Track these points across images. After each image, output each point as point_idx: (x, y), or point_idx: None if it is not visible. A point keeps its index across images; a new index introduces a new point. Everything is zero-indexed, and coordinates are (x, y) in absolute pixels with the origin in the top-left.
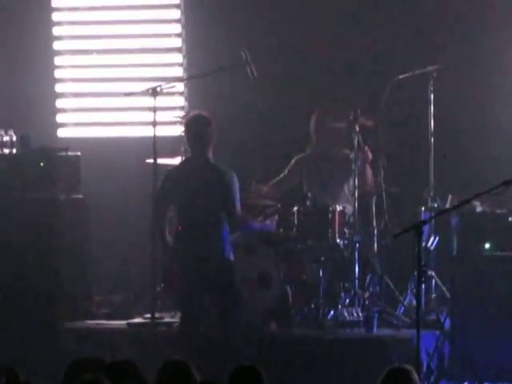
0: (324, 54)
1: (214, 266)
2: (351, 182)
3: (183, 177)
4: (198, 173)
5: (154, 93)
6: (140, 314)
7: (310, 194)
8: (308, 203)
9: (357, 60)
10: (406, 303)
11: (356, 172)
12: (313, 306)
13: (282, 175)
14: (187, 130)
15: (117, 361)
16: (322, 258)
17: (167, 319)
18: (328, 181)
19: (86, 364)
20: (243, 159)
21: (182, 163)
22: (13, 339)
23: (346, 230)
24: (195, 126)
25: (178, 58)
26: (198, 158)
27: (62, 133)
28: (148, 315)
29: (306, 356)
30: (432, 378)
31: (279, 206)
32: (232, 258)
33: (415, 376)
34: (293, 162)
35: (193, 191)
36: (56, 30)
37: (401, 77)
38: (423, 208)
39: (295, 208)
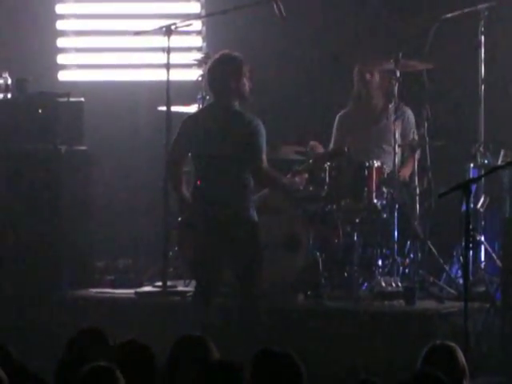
0: None
1: (235, 226)
2: (391, 135)
3: (202, 125)
4: (219, 120)
5: (168, 31)
6: (150, 282)
7: (346, 149)
8: (342, 159)
9: None
10: (451, 272)
11: (397, 124)
12: (346, 274)
13: (332, 140)
14: (210, 72)
15: (120, 343)
16: (357, 221)
17: (180, 288)
18: (367, 135)
19: (88, 339)
20: (272, 116)
21: (201, 110)
22: (6, 309)
23: (385, 189)
24: (220, 67)
25: None
26: (221, 105)
27: (63, 76)
28: (159, 283)
29: (337, 332)
30: (479, 358)
31: (310, 161)
32: (256, 218)
33: (460, 354)
34: (336, 120)
35: (213, 141)
36: None
37: (447, 16)
38: (472, 164)
39: (327, 164)
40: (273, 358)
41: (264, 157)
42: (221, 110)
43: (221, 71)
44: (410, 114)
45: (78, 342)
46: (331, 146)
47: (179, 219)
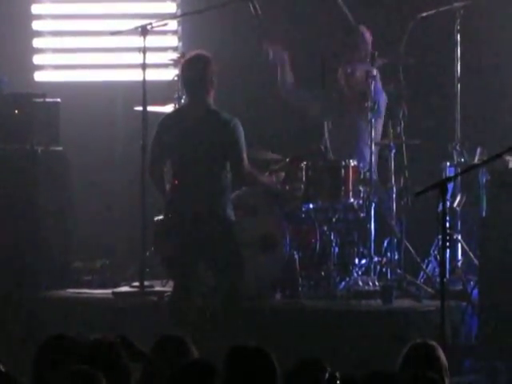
0: None
1: (212, 225)
2: (367, 134)
3: (179, 124)
4: (196, 120)
5: (144, 31)
6: (127, 282)
7: (322, 147)
8: (318, 158)
9: None
10: (428, 271)
11: (373, 122)
12: (323, 273)
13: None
14: (184, 72)
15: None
16: (334, 220)
17: (158, 288)
18: (343, 133)
19: (64, 341)
20: (245, 114)
21: (176, 110)
22: None
23: (361, 188)
24: (193, 66)
25: None
26: (197, 104)
27: (39, 76)
28: (136, 283)
29: (315, 330)
30: (457, 356)
31: (287, 160)
32: (233, 217)
33: (441, 353)
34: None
35: (190, 140)
36: None
37: (423, 15)
38: (448, 163)
39: (303, 163)
40: (246, 355)
41: (245, 155)
42: (197, 110)
43: (194, 71)
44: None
45: (49, 347)
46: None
47: (155, 219)
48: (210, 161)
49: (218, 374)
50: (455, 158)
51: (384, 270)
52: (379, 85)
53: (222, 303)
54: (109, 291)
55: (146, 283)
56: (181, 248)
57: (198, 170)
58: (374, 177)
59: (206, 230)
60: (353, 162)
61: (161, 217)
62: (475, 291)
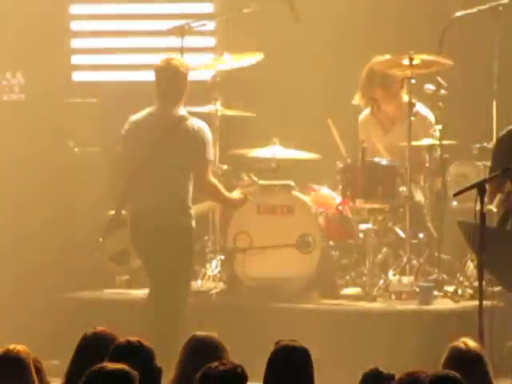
0: None
1: (172, 232)
2: (405, 135)
3: (147, 131)
4: (162, 125)
5: (182, 31)
6: None
7: (363, 147)
8: (356, 158)
9: None
10: (466, 272)
11: (412, 125)
12: (361, 273)
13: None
14: (156, 78)
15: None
16: (372, 220)
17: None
18: (383, 135)
19: (100, 342)
20: (280, 118)
21: (145, 116)
22: (19, 310)
23: (399, 188)
24: (165, 73)
25: None
26: (167, 112)
27: (77, 76)
28: None
29: (351, 330)
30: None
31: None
32: (194, 225)
33: (486, 361)
34: (359, 124)
35: (156, 147)
36: None
37: (459, 14)
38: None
39: (339, 164)
40: (290, 354)
41: (209, 167)
42: (167, 117)
43: (172, 82)
44: (425, 112)
45: (87, 345)
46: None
47: (110, 213)
48: (175, 168)
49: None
50: None
51: (422, 270)
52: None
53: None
54: (144, 291)
55: None
56: (142, 251)
57: (162, 175)
58: (413, 177)
59: (166, 236)
60: (391, 163)
61: (113, 212)
62: None
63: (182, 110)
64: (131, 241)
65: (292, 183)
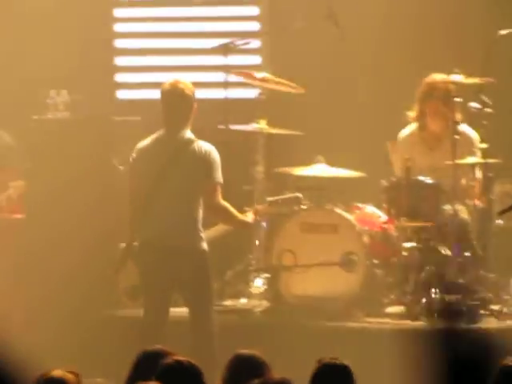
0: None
1: (185, 257)
2: (449, 153)
3: (156, 155)
4: (169, 150)
5: (227, 49)
6: None
7: (407, 166)
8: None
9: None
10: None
11: (458, 145)
12: (405, 291)
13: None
14: (162, 102)
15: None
16: (416, 239)
17: (238, 307)
18: (427, 153)
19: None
20: (326, 136)
21: (153, 139)
22: (64, 330)
23: (444, 207)
24: (170, 96)
25: (255, 10)
26: (176, 134)
27: (121, 94)
28: (217, 302)
29: (395, 349)
30: None
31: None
32: (206, 248)
33: None
34: (400, 140)
35: (164, 170)
36: None
37: (504, 32)
38: None
39: (384, 183)
40: (334, 372)
41: (219, 189)
42: (175, 140)
43: (180, 105)
44: (470, 131)
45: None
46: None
47: (122, 245)
48: (184, 192)
49: None
50: None
51: (467, 288)
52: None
53: (195, 335)
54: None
55: (226, 302)
56: (153, 280)
57: (170, 201)
58: (457, 196)
59: (179, 262)
60: (435, 181)
61: (124, 244)
62: None
63: (189, 133)
64: (141, 271)
65: (300, 195)
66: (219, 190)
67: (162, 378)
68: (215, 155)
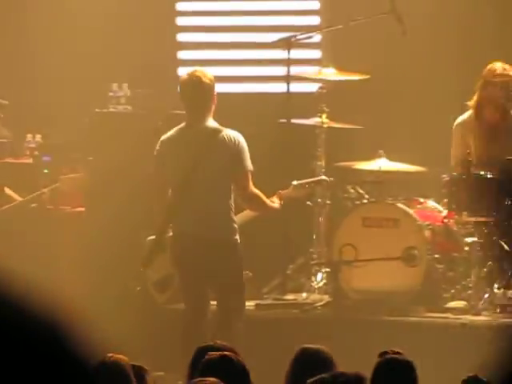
0: None
1: (220, 249)
2: (509, 147)
3: (183, 146)
4: (197, 140)
5: (288, 44)
6: (270, 295)
7: (469, 160)
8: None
9: None
10: None
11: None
12: (466, 287)
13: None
14: (180, 93)
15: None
16: (477, 234)
17: (300, 301)
18: (485, 145)
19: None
20: (387, 131)
21: (178, 131)
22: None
23: (505, 202)
24: (188, 86)
25: (315, 4)
26: (197, 124)
27: None
28: (278, 296)
29: (456, 343)
30: None
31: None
32: (239, 240)
33: None
34: (455, 127)
35: (193, 161)
36: None
37: None
38: None
39: (445, 177)
40: (396, 366)
41: (250, 176)
42: (200, 129)
43: (201, 93)
44: None
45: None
46: (454, 153)
47: (148, 238)
48: (215, 181)
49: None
50: None
51: None
52: None
53: (221, 327)
54: (252, 303)
55: (288, 297)
56: (188, 271)
57: (203, 191)
58: None
59: (213, 253)
60: (495, 176)
61: (153, 237)
62: None
63: (213, 122)
64: (176, 264)
65: (326, 178)
66: (250, 177)
67: (206, 372)
68: (243, 143)
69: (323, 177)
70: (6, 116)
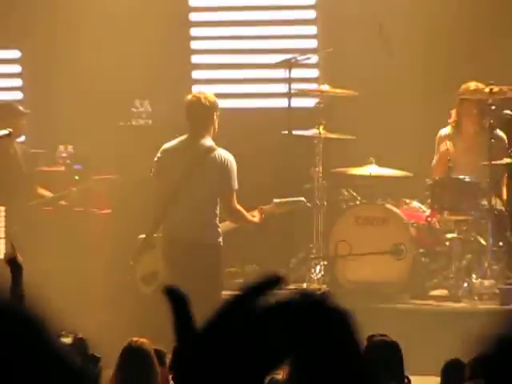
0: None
1: (204, 250)
2: (485, 154)
3: (180, 158)
4: (192, 153)
5: (289, 64)
6: None
7: (449, 166)
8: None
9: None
10: None
11: (491, 144)
12: (447, 277)
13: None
14: (192, 111)
15: None
16: (457, 230)
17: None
18: (463, 153)
19: None
20: (377, 140)
21: (177, 143)
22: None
23: (482, 202)
24: (191, 106)
25: (313, 29)
26: (197, 141)
27: None
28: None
29: (439, 327)
30: None
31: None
32: (222, 243)
33: None
34: (438, 136)
35: (187, 173)
36: (192, 2)
37: None
38: None
39: (429, 181)
40: (385, 346)
41: (234, 195)
42: (197, 146)
43: (202, 113)
44: (502, 134)
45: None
46: (436, 159)
47: (141, 236)
48: (204, 194)
49: None
50: None
51: (502, 274)
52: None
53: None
54: None
55: (290, 286)
56: (175, 269)
57: (193, 200)
58: (494, 192)
59: (198, 253)
60: (473, 179)
61: (143, 235)
62: None
63: (210, 141)
64: (165, 263)
65: (303, 199)
66: (234, 195)
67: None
68: (232, 164)
69: (302, 198)
70: (29, 123)
